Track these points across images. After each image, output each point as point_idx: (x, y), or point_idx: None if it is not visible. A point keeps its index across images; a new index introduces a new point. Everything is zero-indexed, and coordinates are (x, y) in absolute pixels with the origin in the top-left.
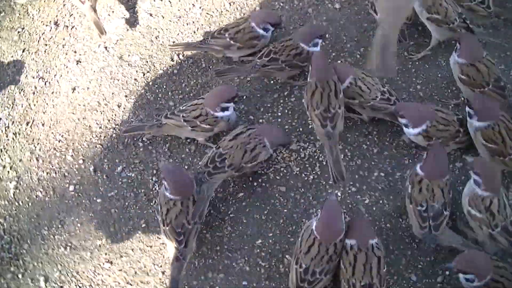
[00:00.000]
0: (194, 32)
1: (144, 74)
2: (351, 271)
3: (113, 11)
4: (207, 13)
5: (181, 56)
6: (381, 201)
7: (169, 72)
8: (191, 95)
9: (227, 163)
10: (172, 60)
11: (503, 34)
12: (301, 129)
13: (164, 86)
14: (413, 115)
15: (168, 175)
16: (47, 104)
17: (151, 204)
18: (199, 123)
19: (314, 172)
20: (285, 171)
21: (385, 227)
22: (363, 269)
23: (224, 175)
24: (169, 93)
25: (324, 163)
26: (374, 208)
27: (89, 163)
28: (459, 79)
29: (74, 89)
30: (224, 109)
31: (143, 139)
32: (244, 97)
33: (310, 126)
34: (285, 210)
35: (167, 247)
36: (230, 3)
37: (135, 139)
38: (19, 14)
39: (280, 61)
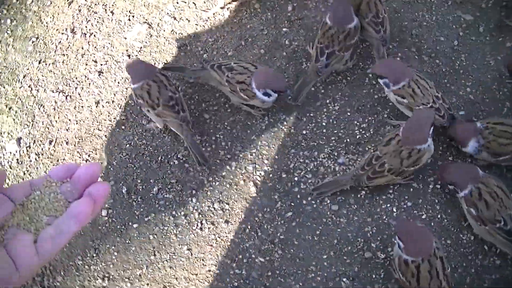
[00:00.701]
0: (224, 36)
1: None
2: (416, 282)
3: (133, 15)
4: (236, 14)
5: (212, 63)
6: (439, 216)
7: (200, 80)
8: (226, 106)
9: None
10: (203, 67)
11: None
12: (348, 139)
13: (197, 97)
14: (392, 73)
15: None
16: (69, 120)
17: (193, 228)
18: (238, 90)
19: (366, 187)
20: None
21: (445, 243)
22: (429, 276)
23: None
24: (203, 105)
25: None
26: (432, 224)
27: (121, 185)
28: None
29: (97, 102)
30: (267, 95)
31: (178, 156)
32: (289, 97)
33: (358, 136)
34: (338, 230)
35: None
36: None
37: (169, 156)
38: (32, 22)
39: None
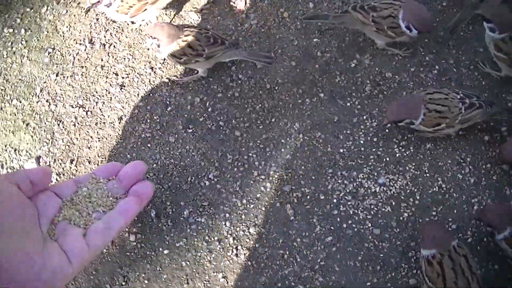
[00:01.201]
0: (251, 47)
1: (200, 99)
2: (442, 281)
3: None
4: (263, 24)
5: (240, 75)
6: (485, 239)
7: (229, 95)
8: (258, 122)
9: None
10: (232, 80)
11: None
12: (387, 158)
13: (226, 112)
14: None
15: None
16: (91, 137)
17: (228, 254)
18: (385, 28)
19: (408, 209)
20: (375, 209)
21: (492, 269)
22: (453, 274)
23: None
24: (233, 121)
25: (418, 196)
26: (478, 248)
27: (149, 207)
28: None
29: (120, 118)
30: (409, 28)
31: (209, 176)
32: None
33: (397, 155)
34: (381, 255)
35: None
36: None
37: (199, 176)
38: (47, 32)
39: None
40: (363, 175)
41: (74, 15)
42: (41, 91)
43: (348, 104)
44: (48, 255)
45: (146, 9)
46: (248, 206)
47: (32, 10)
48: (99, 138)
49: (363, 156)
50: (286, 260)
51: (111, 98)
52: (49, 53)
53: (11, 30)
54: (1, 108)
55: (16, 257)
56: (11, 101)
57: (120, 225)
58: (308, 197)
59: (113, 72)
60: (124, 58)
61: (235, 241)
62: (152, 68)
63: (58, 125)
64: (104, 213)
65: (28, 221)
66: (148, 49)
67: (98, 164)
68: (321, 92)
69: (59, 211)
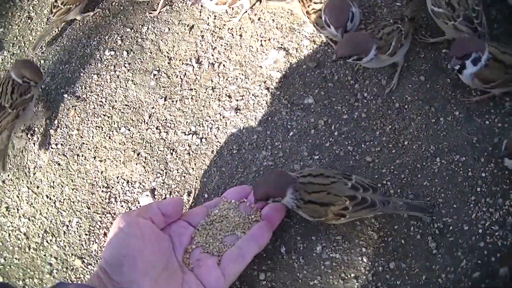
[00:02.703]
0: None
1: (324, 122)
2: None
3: (265, 40)
4: None
5: (365, 94)
6: None
7: (355, 116)
8: (390, 145)
9: None
10: (357, 100)
11: None
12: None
13: (354, 136)
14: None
15: None
16: (208, 167)
17: None
18: None
19: None
20: None
21: None
22: None
23: None
24: (362, 145)
25: None
26: None
27: (278, 243)
28: None
29: (239, 145)
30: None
31: None
32: None
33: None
34: None
35: None
36: None
37: None
38: (151, 53)
39: None
40: (510, 202)
41: (177, 33)
42: (149, 117)
43: (487, 122)
44: None
45: None
46: (385, 238)
47: (133, 30)
48: (216, 168)
49: (508, 181)
50: None
51: (226, 123)
52: (154, 75)
53: (112, 53)
54: (110, 137)
55: None
56: (119, 129)
57: (253, 252)
58: (451, 227)
59: (226, 94)
60: (236, 78)
61: (375, 278)
62: (268, 88)
63: (171, 154)
64: (237, 236)
65: (166, 255)
66: (261, 66)
67: (219, 194)
68: (456, 109)
69: (193, 239)
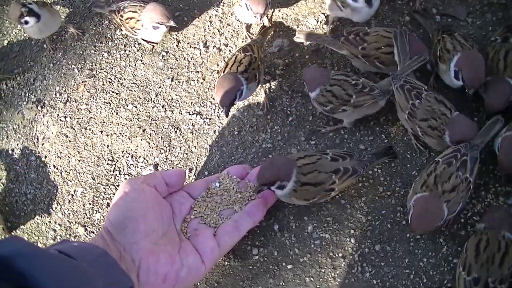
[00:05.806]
0: None
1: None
2: None
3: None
4: None
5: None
6: None
7: None
8: (383, 136)
9: None
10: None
11: None
12: None
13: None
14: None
15: None
16: (209, 146)
17: (352, 271)
18: None
19: None
20: None
21: None
22: None
23: None
24: (357, 134)
25: None
26: None
27: (272, 221)
28: None
29: (240, 127)
30: None
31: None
32: None
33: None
34: None
35: None
36: None
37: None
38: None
39: None
40: (490, 196)
41: (187, 17)
42: (156, 96)
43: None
44: (185, 255)
45: None
46: (373, 222)
47: None
48: (218, 147)
49: (491, 175)
50: (412, 280)
51: None
52: (162, 56)
53: (123, 33)
54: (117, 113)
55: (160, 258)
56: (126, 105)
57: (247, 227)
58: None
59: None
60: None
61: (361, 258)
62: (270, 74)
63: (175, 132)
64: (234, 210)
65: (166, 221)
66: (269, 53)
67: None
68: None
69: (192, 210)
